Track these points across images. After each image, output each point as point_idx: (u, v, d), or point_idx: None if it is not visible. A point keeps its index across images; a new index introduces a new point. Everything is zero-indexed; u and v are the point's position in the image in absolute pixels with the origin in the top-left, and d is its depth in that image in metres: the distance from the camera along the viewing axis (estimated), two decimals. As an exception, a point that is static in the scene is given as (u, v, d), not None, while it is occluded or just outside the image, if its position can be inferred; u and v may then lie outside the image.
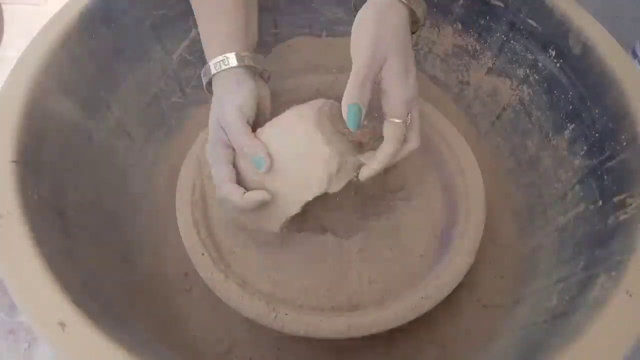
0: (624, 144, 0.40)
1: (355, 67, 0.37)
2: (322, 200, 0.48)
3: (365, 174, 0.40)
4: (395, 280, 0.45)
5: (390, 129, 0.39)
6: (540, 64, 0.49)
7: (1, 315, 0.54)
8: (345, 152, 0.40)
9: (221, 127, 0.41)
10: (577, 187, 0.45)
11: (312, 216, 0.48)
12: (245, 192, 0.40)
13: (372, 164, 0.39)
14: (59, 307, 0.30)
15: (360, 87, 0.37)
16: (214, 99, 0.43)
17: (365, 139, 0.43)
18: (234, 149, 0.42)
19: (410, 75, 0.39)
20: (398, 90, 0.38)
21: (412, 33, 0.42)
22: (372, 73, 0.37)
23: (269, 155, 0.40)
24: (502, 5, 0.50)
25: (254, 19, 0.49)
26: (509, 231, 0.52)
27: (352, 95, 0.37)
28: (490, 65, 0.55)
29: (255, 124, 0.43)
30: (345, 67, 0.45)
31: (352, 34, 0.39)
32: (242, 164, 0.42)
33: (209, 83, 0.44)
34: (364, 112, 0.37)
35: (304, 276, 0.45)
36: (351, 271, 0.45)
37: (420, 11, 0.41)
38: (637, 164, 0.38)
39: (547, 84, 0.49)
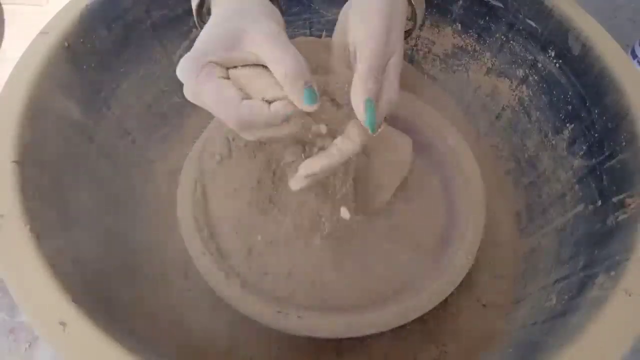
0: (623, 144, 0.40)
1: (369, 54, 0.31)
2: (323, 199, 0.48)
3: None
4: (395, 280, 0.45)
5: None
6: (539, 64, 0.49)
7: (2, 315, 0.55)
8: None
9: (236, 43, 0.31)
10: (577, 187, 0.45)
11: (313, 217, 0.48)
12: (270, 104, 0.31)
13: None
14: (60, 307, 0.30)
15: (376, 78, 0.31)
16: (221, 13, 0.32)
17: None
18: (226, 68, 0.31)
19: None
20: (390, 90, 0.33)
21: (406, 37, 0.37)
22: (384, 63, 0.32)
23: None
24: (501, 5, 0.50)
25: None
26: (508, 231, 0.52)
27: (367, 89, 0.30)
28: (490, 66, 0.55)
29: None
30: (345, 68, 0.45)
31: (353, 16, 0.33)
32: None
33: (201, 4, 0.35)
34: None
35: (304, 276, 0.45)
36: (352, 271, 0.46)
37: (419, 12, 0.38)
38: (637, 164, 0.38)
39: (546, 84, 0.49)
